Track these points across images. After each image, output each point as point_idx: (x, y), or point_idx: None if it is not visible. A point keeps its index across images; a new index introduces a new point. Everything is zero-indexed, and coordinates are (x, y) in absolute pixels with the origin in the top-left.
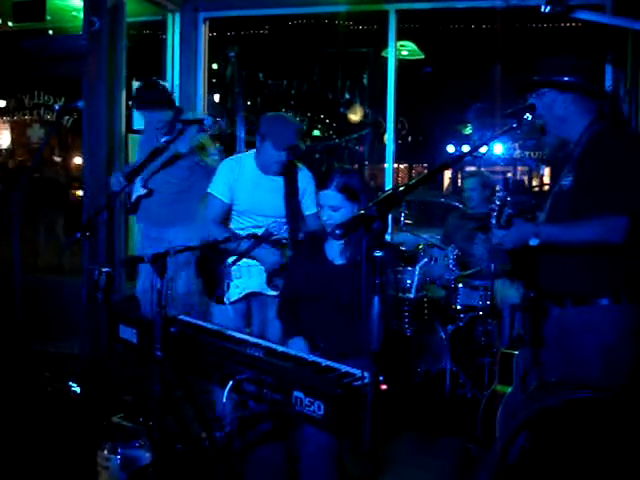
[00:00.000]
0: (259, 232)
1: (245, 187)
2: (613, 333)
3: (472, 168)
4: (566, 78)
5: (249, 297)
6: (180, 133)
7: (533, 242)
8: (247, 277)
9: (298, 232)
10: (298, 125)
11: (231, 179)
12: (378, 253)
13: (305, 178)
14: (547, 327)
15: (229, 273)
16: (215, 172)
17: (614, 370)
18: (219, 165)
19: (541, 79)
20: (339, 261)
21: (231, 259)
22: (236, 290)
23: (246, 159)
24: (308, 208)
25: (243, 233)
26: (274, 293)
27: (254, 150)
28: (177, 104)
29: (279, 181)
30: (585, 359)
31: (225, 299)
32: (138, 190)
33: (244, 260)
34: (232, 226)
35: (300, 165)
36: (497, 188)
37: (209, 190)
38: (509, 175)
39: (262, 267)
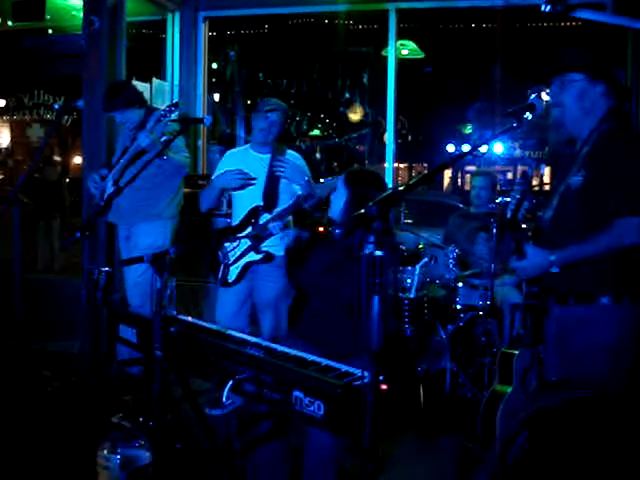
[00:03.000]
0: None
1: (237, 165)
2: (614, 331)
3: (472, 168)
4: (602, 65)
5: (247, 270)
6: (180, 133)
7: (554, 270)
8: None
9: (272, 202)
10: (280, 103)
11: (227, 164)
12: (378, 253)
13: (291, 157)
14: (547, 325)
15: (226, 256)
16: (183, 168)
17: (614, 368)
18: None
19: (579, 62)
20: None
21: (230, 248)
22: (233, 266)
23: (243, 147)
24: (299, 182)
25: (238, 211)
26: (259, 257)
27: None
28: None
29: (266, 158)
30: (585, 357)
31: (228, 279)
32: (109, 189)
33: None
34: (233, 208)
35: (290, 150)
36: (506, 193)
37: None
38: (509, 173)
39: (248, 243)
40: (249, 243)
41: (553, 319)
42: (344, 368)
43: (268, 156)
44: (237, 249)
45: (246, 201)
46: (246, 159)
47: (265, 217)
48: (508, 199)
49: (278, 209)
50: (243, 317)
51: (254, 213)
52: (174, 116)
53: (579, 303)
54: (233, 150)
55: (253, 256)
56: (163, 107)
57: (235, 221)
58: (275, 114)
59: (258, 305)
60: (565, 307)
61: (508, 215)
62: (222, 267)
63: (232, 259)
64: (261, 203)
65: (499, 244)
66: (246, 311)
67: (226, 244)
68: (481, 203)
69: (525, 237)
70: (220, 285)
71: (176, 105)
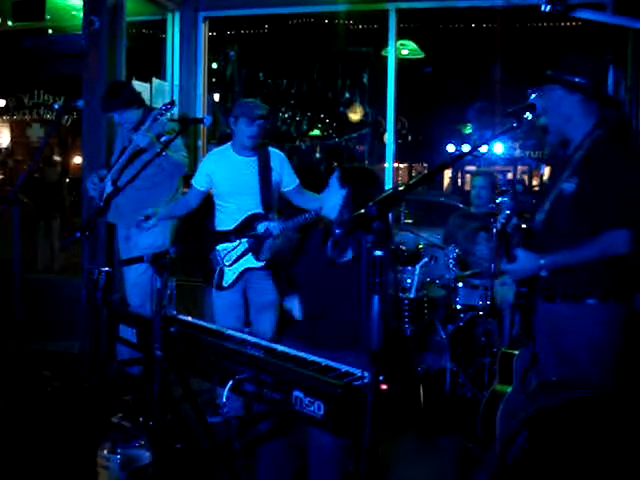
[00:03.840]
0: (243, 217)
1: (223, 170)
2: (600, 330)
3: (472, 168)
4: (577, 79)
5: (243, 276)
6: (180, 132)
7: (543, 274)
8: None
9: (270, 207)
10: (265, 105)
11: (210, 168)
12: (378, 252)
13: (278, 157)
14: (536, 322)
15: (220, 259)
16: (182, 167)
17: (600, 365)
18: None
19: (553, 75)
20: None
21: (228, 260)
22: (230, 271)
23: (224, 148)
24: (289, 184)
25: (227, 216)
26: (261, 264)
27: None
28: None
29: (253, 161)
30: (573, 354)
31: (223, 283)
32: (108, 189)
33: (231, 246)
34: (216, 212)
35: (271, 148)
36: (504, 193)
37: (192, 181)
38: (510, 177)
39: (245, 244)
40: (245, 247)
41: (541, 316)
42: (344, 368)
43: (254, 158)
44: (233, 252)
45: (238, 206)
46: (232, 163)
47: (263, 224)
48: (508, 199)
49: (288, 222)
50: (241, 319)
51: (252, 220)
52: (173, 115)
53: (566, 301)
54: (214, 152)
55: (253, 262)
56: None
57: (222, 225)
58: (264, 120)
59: (253, 306)
60: (553, 304)
61: (498, 226)
62: (217, 271)
63: (228, 262)
64: (258, 210)
65: (499, 244)
66: (243, 312)
67: (218, 247)
68: (482, 203)
69: (517, 240)
70: (215, 289)
71: (172, 103)
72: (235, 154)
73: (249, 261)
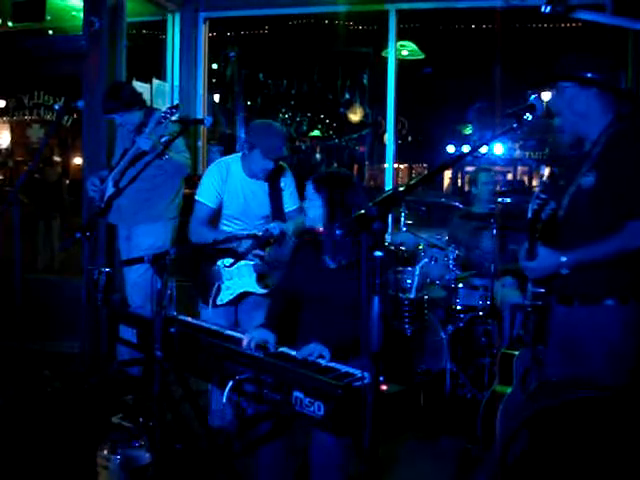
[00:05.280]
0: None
1: (232, 191)
2: (618, 331)
3: (472, 168)
4: (590, 74)
5: (239, 298)
6: (181, 133)
7: (564, 272)
8: (237, 278)
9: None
10: (285, 134)
11: (218, 184)
12: (378, 253)
13: (286, 177)
14: (552, 325)
15: (220, 274)
16: (184, 169)
17: (618, 368)
18: (206, 170)
19: (564, 73)
20: (332, 265)
21: (227, 261)
22: (227, 291)
23: (232, 163)
24: (290, 205)
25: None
26: (264, 291)
27: (239, 154)
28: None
29: (263, 184)
30: (589, 357)
31: (217, 301)
32: (109, 190)
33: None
34: (221, 227)
35: (281, 163)
36: (543, 179)
37: (196, 197)
38: (509, 174)
39: (252, 267)
40: (244, 266)
41: (558, 319)
42: (344, 369)
43: (265, 183)
44: (233, 273)
45: (247, 227)
46: (241, 184)
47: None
48: (508, 200)
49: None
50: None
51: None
52: (174, 117)
53: (584, 304)
54: (220, 164)
55: (255, 287)
56: (163, 109)
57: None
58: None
59: (243, 305)
60: (570, 308)
61: (529, 215)
62: (215, 288)
63: (226, 279)
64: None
65: (502, 244)
66: (233, 321)
67: (219, 263)
68: (485, 199)
69: (537, 237)
70: (205, 305)
71: (176, 107)
72: (245, 174)
73: (250, 285)
